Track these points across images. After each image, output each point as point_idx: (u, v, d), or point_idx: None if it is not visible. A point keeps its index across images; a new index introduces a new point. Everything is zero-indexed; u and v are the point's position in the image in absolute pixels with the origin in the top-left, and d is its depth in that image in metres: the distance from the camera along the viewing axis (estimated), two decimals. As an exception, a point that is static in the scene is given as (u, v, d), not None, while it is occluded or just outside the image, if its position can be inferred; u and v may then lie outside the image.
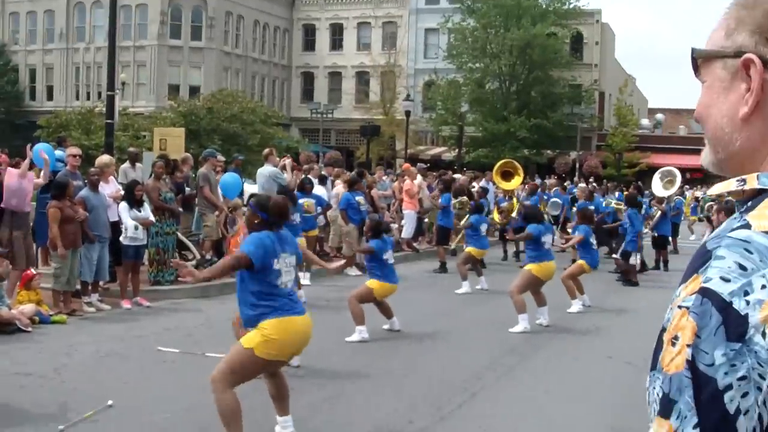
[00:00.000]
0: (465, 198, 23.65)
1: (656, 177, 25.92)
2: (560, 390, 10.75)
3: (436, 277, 21.44)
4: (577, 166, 60.77)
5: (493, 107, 64.00)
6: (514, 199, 25.35)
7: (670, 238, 27.15)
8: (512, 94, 64.80)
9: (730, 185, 1.66)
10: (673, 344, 1.51)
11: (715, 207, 14.22)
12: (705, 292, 1.49)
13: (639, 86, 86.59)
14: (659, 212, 24.95)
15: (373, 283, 13.55)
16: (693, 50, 1.77)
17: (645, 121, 74.62)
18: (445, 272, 22.07)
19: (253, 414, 8.18)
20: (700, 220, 37.94)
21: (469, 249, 19.47)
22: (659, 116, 77.96)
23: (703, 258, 1.55)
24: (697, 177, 60.32)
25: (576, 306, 16.65)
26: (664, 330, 1.56)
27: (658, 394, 1.53)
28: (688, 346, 1.47)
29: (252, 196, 8.38)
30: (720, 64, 1.70)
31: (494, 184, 29.02)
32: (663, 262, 25.15)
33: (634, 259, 21.75)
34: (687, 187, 45.42)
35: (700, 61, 1.75)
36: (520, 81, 64.76)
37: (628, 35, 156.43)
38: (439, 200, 23.94)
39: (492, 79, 65.30)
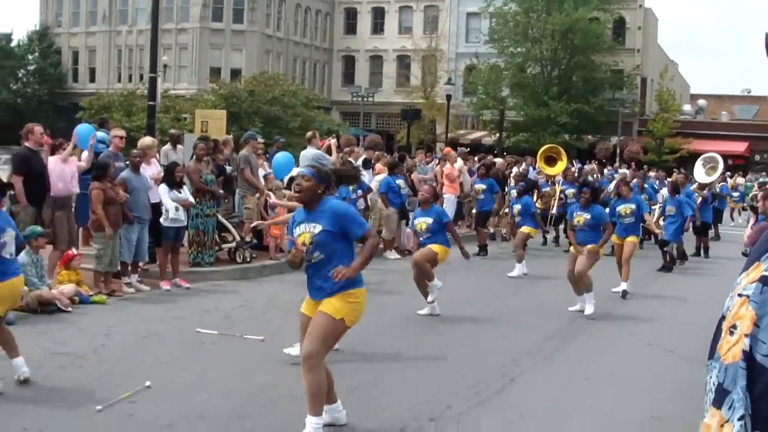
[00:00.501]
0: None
1: (698, 163, 25.78)
2: (600, 376, 10.70)
3: (475, 261, 21.34)
4: (618, 151, 60.39)
5: (534, 92, 63.69)
6: (557, 185, 25.18)
7: (711, 225, 26.94)
8: (553, 78, 64.49)
9: None
10: (731, 333, 1.45)
11: (760, 194, 14.04)
12: (766, 281, 1.43)
13: (681, 72, 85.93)
14: (701, 198, 24.74)
15: (438, 248, 13.78)
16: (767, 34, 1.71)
17: (687, 107, 74.07)
18: (485, 255, 22.04)
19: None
20: (744, 209, 37.61)
21: (527, 229, 19.46)
22: (701, 102, 77.45)
23: (765, 245, 1.49)
24: (739, 164, 59.90)
25: (624, 286, 16.64)
26: (723, 318, 1.50)
27: (714, 383, 1.47)
28: (746, 335, 1.42)
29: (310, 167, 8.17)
30: None
31: (534, 168, 28.89)
32: (704, 249, 24.94)
33: (669, 247, 21.50)
34: (728, 173, 45.04)
35: None
36: (561, 66, 64.43)
37: (670, 20, 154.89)
38: (475, 184, 24.04)
39: (533, 64, 65.02)
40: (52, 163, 14.91)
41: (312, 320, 7.61)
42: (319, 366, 7.43)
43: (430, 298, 13.64)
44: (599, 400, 9.54)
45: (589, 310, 14.40)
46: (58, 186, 14.68)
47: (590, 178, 26.42)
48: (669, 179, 28.33)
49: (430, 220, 13.67)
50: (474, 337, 12.63)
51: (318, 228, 7.62)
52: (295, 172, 20.47)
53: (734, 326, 1.46)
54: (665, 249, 21.33)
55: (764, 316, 1.42)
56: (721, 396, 1.46)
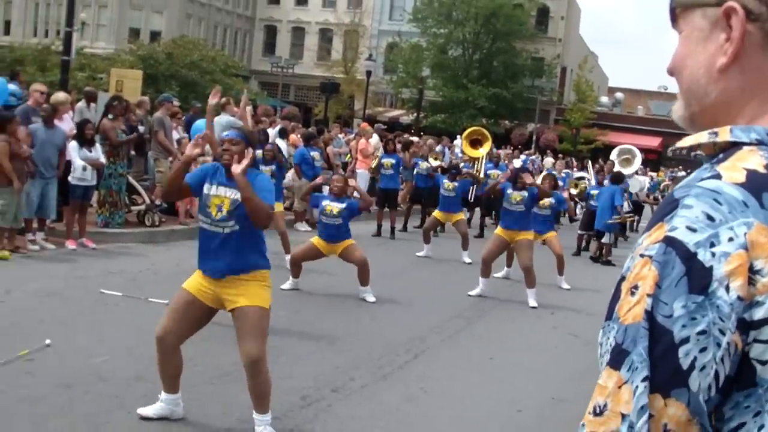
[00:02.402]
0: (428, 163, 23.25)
1: (614, 154, 25.99)
2: (503, 357, 10.77)
3: (380, 239, 21.29)
4: (534, 138, 60.96)
5: (455, 74, 63.99)
6: (478, 167, 25.15)
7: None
8: (474, 62, 64.83)
9: (701, 137, 1.60)
10: (632, 294, 1.46)
11: (671, 187, 14.32)
12: (670, 241, 1.43)
13: (600, 64, 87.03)
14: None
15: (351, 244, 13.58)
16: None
17: (604, 99, 74.94)
18: (393, 237, 21.86)
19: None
20: (655, 199, 38.20)
21: (435, 213, 19.39)
22: (618, 95, 78.36)
23: (669, 206, 1.49)
24: (651, 158, 60.86)
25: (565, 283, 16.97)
26: (623, 279, 1.51)
27: (611, 344, 1.48)
28: (648, 295, 1.42)
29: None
30: (700, 12, 1.64)
31: (449, 149, 28.95)
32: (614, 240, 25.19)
33: (608, 238, 21.68)
34: (642, 167, 45.69)
35: (678, 10, 1.70)
36: (483, 50, 64.78)
37: (593, 12, 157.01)
38: (382, 158, 23.08)
39: (455, 46, 65.29)
40: None
41: (241, 318, 6.92)
42: (266, 363, 7.00)
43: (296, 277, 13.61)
44: (502, 380, 9.61)
45: (533, 302, 14.46)
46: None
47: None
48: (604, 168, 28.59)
49: (342, 205, 13.42)
50: (380, 313, 12.64)
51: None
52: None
53: (635, 287, 1.47)
54: (602, 240, 21.56)
55: (666, 277, 1.42)
56: (619, 357, 1.46)
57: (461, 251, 18.74)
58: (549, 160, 33.30)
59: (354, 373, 9.14)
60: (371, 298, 13.32)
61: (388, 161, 22.46)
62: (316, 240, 13.63)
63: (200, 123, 19.34)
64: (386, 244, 20.72)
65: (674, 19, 1.71)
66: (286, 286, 13.33)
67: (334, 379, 8.80)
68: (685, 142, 1.65)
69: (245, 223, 6.95)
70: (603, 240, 21.57)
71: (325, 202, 13.43)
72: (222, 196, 7.03)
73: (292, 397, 8.08)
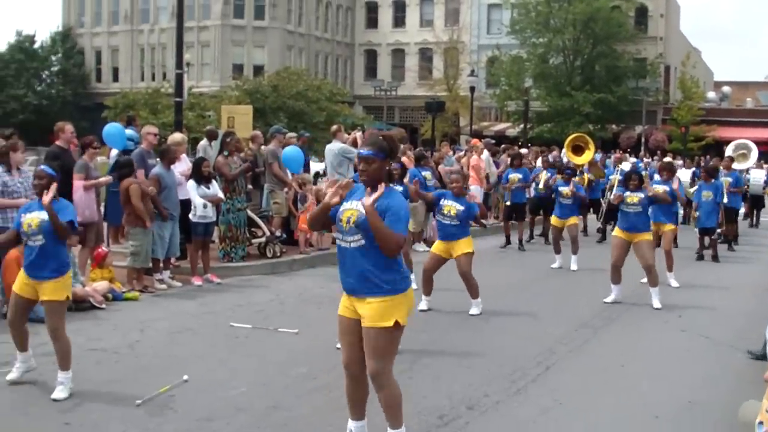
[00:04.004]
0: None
1: (729, 149, 25.54)
2: (634, 363, 10.67)
3: (505, 252, 21.35)
4: (643, 140, 60.20)
5: (557, 82, 63.66)
6: (585, 175, 24.94)
7: (741, 212, 26.65)
8: (576, 68, 64.42)
9: None
10: None
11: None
12: None
13: (704, 59, 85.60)
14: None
15: (467, 246, 13.47)
16: None
17: (711, 95, 73.75)
18: (522, 249, 21.91)
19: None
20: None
21: (553, 221, 19.34)
22: (725, 89, 77.07)
23: None
24: (765, 150, 59.66)
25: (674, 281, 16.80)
26: None
27: None
28: None
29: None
30: None
31: (560, 159, 28.75)
32: (732, 236, 24.69)
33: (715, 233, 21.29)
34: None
35: None
36: (584, 55, 64.37)
37: (692, 7, 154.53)
38: (510, 173, 23.08)
39: (555, 54, 64.99)
40: (76, 190, 14.61)
41: (366, 337, 6.73)
42: (390, 379, 6.84)
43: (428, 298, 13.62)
44: (635, 387, 9.52)
45: (657, 303, 14.37)
46: (85, 213, 14.53)
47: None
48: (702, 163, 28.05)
49: (461, 207, 13.45)
50: (507, 327, 12.63)
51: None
52: (320, 166, 20.37)
53: None
54: (713, 237, 21.14)
55: None
56: None
57: (571, 256, 18.77)
58: (666, 160, 32.63)
59: (487, 389, 9.15)
60: (474, 311, 13.33)
61: (515, 176, 22.72)
62: (434, 246, 13.78)
63: (289, 150, 19.38)
64: (512, 255, 20.78)
65: None
66: (420, 306, 13.22)
67: (469, 396, 8.83)
68: None
69: (370, 236, 6.61)
70: (713, 237, 21.21)
71: (443, 201, 13.44)
72: (353, 208, 6.67)
73: (429, 417, 8.12)
